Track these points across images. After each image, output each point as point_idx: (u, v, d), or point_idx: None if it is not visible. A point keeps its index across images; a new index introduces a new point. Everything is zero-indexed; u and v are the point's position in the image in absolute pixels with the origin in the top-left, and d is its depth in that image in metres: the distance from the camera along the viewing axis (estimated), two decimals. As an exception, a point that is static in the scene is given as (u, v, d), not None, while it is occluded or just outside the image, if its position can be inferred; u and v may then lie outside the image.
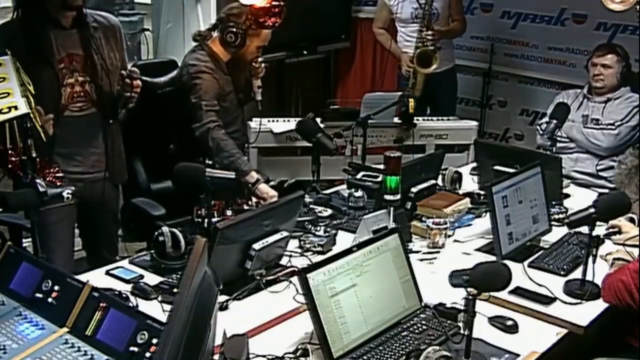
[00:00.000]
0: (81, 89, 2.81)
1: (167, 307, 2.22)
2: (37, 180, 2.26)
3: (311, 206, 3.09)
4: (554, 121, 3.53)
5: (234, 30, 3.34)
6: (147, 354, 1.73)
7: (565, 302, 2.40)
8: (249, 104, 3.67)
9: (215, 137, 3.25)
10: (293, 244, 2.70)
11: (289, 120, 4.28)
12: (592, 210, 2.40)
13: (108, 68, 2.85)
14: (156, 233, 2.56)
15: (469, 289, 1.96)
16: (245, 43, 3.38)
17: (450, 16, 4.88)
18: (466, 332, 2.00)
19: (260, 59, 3.53)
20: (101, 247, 3.10)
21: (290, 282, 2.45)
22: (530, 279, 2.51)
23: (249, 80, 3.56)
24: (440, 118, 4.70)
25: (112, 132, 2.97)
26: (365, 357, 2.03)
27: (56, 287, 1.95)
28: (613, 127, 3.88)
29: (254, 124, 4.09)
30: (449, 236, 2.87)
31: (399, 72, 4.99)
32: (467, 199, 3.15)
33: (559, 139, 3.59)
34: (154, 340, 1.73)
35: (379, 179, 3.08)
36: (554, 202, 3.05)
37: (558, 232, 2.91)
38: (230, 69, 3.47)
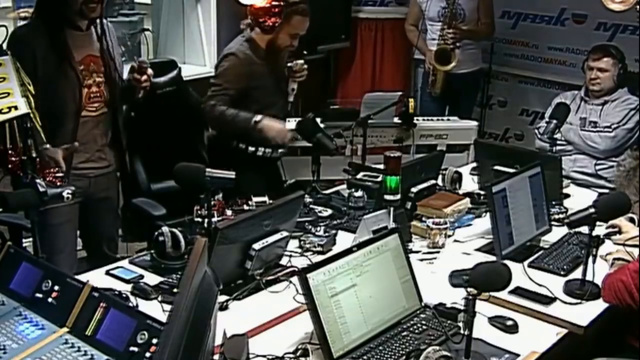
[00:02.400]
0: (97, 89, 2.87)
1: (167, 307, 2.22)
2: (37, 180, 2.26)
3: (311, 206, 3.09)
4: (554, 121, 3.51)
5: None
6: (147, 354, 1.72)
7: (565, 302, 2.40)
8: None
9: (216, 111, 3.38)
10: (293, 244, 2.69)
11: (289, 120, 4.27)
12: (592, 210, 2.40)
13: (117, 68, 2.93)
14: (156, 233, 2.56)
15: (469, 289, 1.96)
16: (273, 28, 3.42)
17: (479, 19, 4.92)
18: (466, 332, 2.00)
19: (301, 62, 3.57)
20: (101, 243, 3.12)
21: (290, 282, 2.45)
22: (530, 279, 2.51)
23: (285, 75, 3.59)
24: (440, 118, 4.70)
25: (119, 128, 3.03)
26: (365, 357, 2.02)
27: (56, 287, 1.95)
28: (610, 129, 3.87)
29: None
30: (449, 236, 2.87)
31: (424, 70, 5.09)
32: (467, 199, 3.15)
33: (557, 141, 3.58)
34: (154, 340, 1.73)
35: (379, 179, 3.08)
36: (554, 202, 3.04)
37: (558, 232, 2.91)
38: (268, 56, 3.50)
